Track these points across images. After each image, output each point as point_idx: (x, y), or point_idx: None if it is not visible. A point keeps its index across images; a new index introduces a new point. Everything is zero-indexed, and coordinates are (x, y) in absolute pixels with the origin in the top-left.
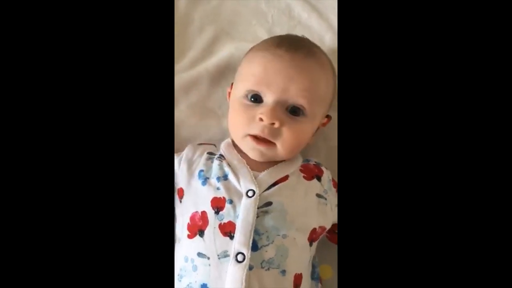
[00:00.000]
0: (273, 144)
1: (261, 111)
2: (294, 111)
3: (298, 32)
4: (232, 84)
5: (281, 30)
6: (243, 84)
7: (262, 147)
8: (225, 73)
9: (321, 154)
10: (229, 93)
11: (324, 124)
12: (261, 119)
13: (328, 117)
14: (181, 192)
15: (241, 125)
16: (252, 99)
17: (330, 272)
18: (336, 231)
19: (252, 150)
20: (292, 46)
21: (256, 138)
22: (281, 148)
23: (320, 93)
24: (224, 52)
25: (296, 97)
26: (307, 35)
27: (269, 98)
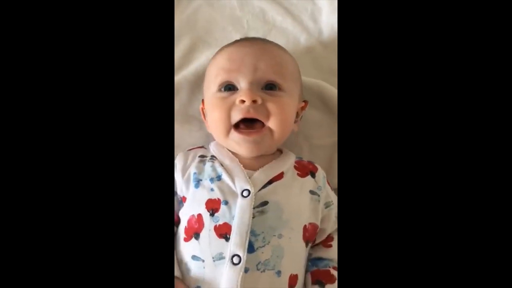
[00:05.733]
0: (264, 128)
1: (240, 94)
2: (270, 87)
3: (274, 35)
4: (203, 100)
5: (256, 34)
6: (214, 81)
7: (254, 137)
8: (204, 80)
9: (304, 152)
10: (202, 109)
11: (303, 108)
12: (242, 101)
13: (305, 101)
14: (184, 199)
15: (222, 116)
16: (226, 89)
17: None
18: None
19: (244, 144)
20: (250, 38)
21: (243, 130)
22: (274, 127)
23: (289, 68)
24: (202, 59)
25: (268, 74)
26: (283, 38)
27: (243, 82)
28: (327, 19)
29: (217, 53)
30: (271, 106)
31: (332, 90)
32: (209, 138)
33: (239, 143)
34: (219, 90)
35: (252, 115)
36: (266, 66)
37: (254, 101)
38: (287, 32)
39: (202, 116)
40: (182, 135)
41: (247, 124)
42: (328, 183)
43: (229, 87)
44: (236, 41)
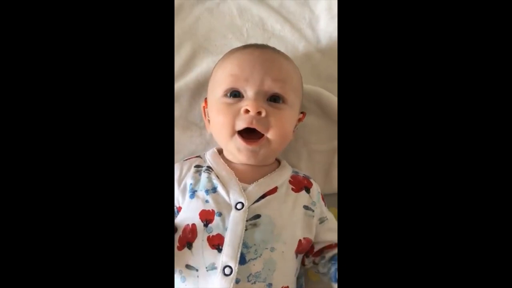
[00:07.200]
0: (263, 138)
1: (246, 103)
2: (274, 99)
3: (273, 43)
4: (205, 99)
5: (256, 42)
6: (220, 86)
7: (253, 146)
8: (204, 87)
9: (302, 158)
10: (204, 108)
11: (300, 120)
12: (247, 111)
13: (303, 113)
14: (180, 209)
15: (227, 122)
16: (232, 96)
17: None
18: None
19: (244, 151)
20: (259, 45)
21: (245, 138)
22: (273, 138)
23: (293, 82)
24: (202, 66)
25: (275, 87)
26: (282, 46)
27: (249, 92)
28: (325, 27)
29: (226, 56)
30: (273, 119)
31: (330, 96)
32: (209, 144)
33: (239, 149)
34: (225, 95)
35: (255, 126)
36: (273, 79)
37: (258, 113)
38: (285, 40)
39: (203, 115)
40: (183, 141)
41: (247, 132)
42: (323, 199)
43: (235, 94)
44: (246, 47)
